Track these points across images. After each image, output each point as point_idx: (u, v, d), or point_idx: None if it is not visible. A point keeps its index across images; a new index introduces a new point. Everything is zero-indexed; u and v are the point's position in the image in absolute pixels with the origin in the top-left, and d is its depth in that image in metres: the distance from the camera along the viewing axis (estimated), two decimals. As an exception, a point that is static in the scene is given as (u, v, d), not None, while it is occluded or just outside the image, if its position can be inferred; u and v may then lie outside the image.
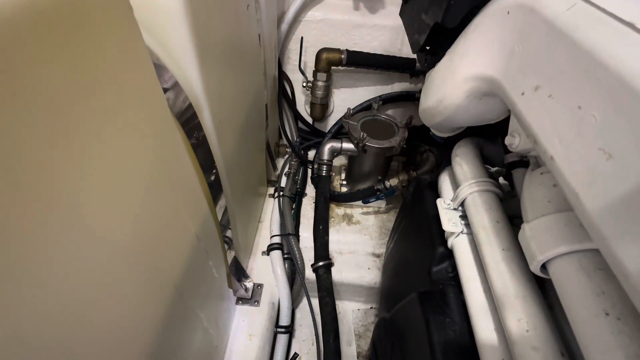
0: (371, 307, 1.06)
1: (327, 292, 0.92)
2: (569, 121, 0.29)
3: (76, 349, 0.30)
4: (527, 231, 0.40)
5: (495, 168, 0.64)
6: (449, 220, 0.56)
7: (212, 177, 0.65)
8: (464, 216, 0.57)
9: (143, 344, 0.41)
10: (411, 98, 1.23)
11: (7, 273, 0.22)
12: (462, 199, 0.56)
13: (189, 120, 0.54)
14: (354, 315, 1.05)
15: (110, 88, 0.30)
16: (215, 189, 0.65)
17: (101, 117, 0.29)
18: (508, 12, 0.42)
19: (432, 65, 0.64)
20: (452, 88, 0.54)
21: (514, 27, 0.41)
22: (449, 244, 0.56)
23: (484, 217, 0.51)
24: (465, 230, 0.55)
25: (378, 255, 1.06)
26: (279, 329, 0.91)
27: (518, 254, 0.45)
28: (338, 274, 1.00)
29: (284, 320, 0.91)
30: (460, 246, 0.54)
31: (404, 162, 1.31)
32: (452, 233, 0.56)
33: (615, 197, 0.25)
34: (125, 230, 0.35)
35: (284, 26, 1.09)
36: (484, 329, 0.45)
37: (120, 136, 0.32)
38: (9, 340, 0.23)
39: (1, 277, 0.21)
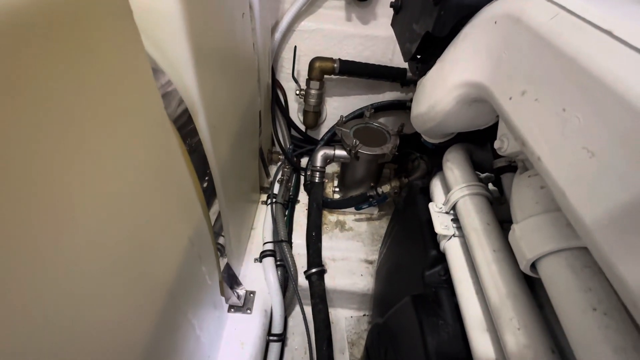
0: (364, 315, 1.06)
1: (320, 299, 0.91)
2: (555, 123, 0.31)
3: (66, 355, 0.29)
4: (517, 231, 0.41)
5: (485, 174, 0.66)
6: (441, 224, 0.57)
7: (206, 183, 0.65)
8: (456, 219, 0.58)
9: (135, 351, 0.40)
10: (402, 106, 1.26)
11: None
12: (453, 202, 0.57)
13: (184, 125, 0.54)
14: (347, 323, 1.04)
15: (109, 91, 0.30)
16: (208, 194, 0.65)
17: (98, 120, 0.29)
18: (495, 22, 0.44)
19: (424, 73, 0.66)
20: (443, 94, 0.55)
21: (501, 36, 0.43)
22: (441, 247, 0.57)
23: (475, 220, 0.52)
24: (457, 233, 0.56)
25: (371, 262, 1.06)
26: (271, 337, 0.90)
27: (508, 255, 0.46)
28: (331, 280, 1.00)
29: (277, 328, 0.90)
30: (452, 249, 0.55)
31: (396, 169, 1.33)
32: (445, 236, 0.57)
33: (598, 192, 0.26)
34: (119, 233, 0.34)
35: (278, 35, 1.11)
36: (477, 330, 0.46)
37: (117, 139, 0.32)
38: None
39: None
